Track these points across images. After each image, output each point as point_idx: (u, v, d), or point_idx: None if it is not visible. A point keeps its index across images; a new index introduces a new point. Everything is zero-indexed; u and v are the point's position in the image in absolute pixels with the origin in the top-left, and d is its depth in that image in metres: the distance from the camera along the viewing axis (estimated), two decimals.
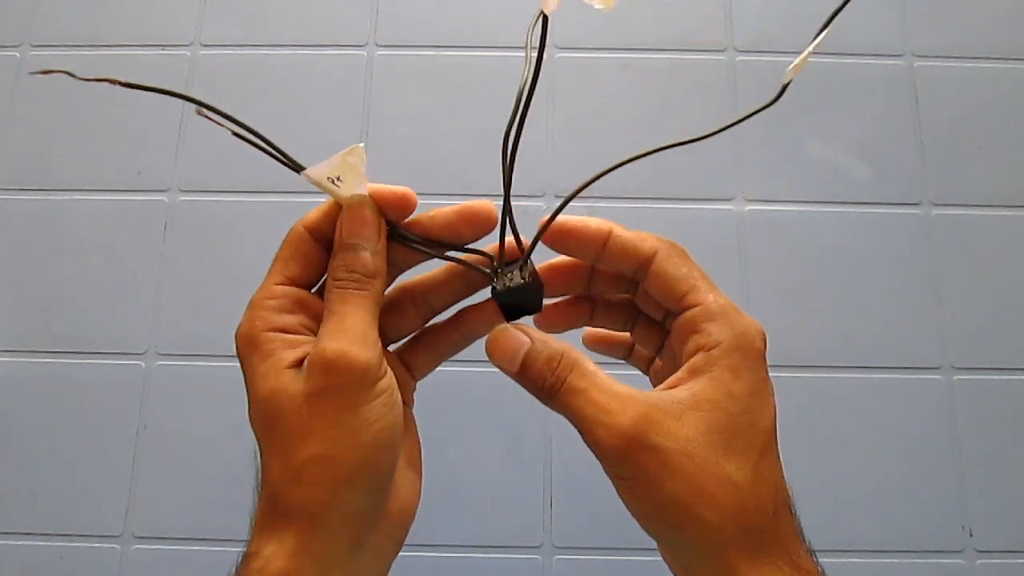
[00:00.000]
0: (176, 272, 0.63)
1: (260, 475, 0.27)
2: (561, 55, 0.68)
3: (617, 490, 0.29)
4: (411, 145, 0.66)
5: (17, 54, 0.68)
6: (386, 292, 0.31)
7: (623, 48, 0.68)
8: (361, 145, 0.26)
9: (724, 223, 0.63)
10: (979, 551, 0.56)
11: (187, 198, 0.65)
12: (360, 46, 0.69)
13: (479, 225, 0.30)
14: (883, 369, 0.60)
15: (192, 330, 0.62)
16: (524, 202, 0.63)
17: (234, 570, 0.27)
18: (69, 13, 0.70)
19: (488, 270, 0.31)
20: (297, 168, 0.27)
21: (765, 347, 0.29)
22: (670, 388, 0.28)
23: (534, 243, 0.31)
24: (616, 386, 0.28)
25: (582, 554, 0.57)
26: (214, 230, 0.64)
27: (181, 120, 0.67)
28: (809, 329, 0.61)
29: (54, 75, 0.26)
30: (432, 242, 0.30)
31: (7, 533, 0.57)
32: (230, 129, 0.26)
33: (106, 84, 0.24)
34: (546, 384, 0.29)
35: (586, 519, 0.57)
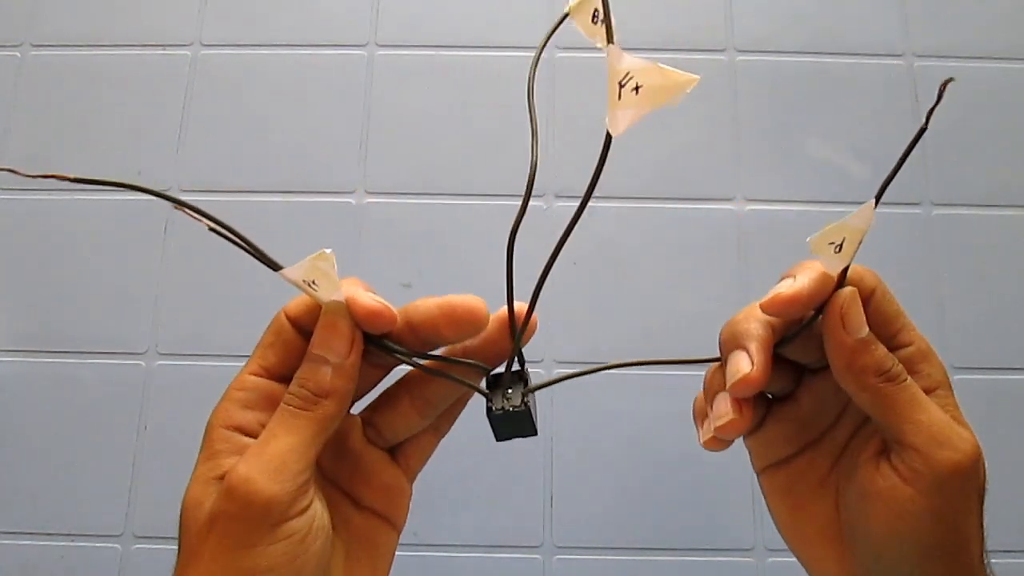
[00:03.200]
0: (176, 272, 0.63)
1: None
2: (561, 55, 0.68)
3: (906, 520, 0.25)
4: (411, 145, 0.66)
5: (17, 54, 0.68)
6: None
7: (623, 48, 0.68)
8: (328, 251, 0.24)
9: (724, 223, 0.63)
10: None
11: (187, 198, 0.64)
12: (360, 46, 0.69)
13: (463, 327, 0.26)
14: None
15: (192, 330, 0.62)
16: None
17: None
18: (69, 13, 0.70)
19: (484, 377, 0.28)
20: (275, 267, 0.25)
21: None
22: None
23: (517, 352, 0.27)
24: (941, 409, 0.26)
25: (582, 554, 0.57)
26: (214, 231, 0.64)
27: (181, 120, 0.67)
28: None
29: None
30: (414, 352, 0.27)
31: (7, 533, 0.57)
32: (207, 225, 0.24)
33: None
34: (891, 369, 0.26)
35: (586, 519, 0.57)
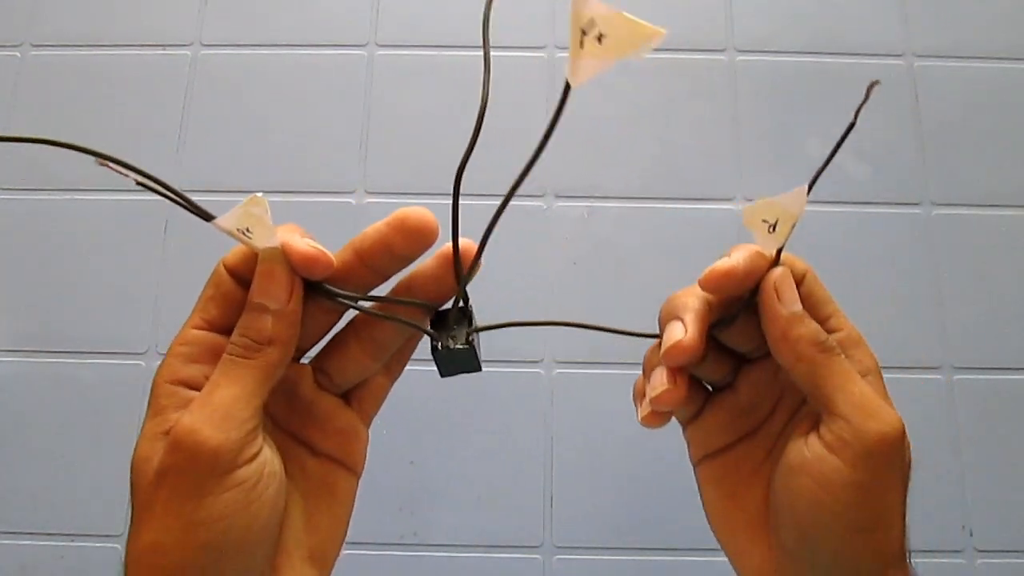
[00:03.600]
0: (176, 272, 0.63)
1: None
2: (561, 55, 0.67)
3: (827, 487, 0.25)
4: (411, 145, 0.66)
5: (17, 54, 0.68)
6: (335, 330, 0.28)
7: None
8: (260, 195, 0.24)
9: (724, 223, 0.63)
10: (979, 551, 0.56)
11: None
12: (360, 46, 0.69)
13: (415, 236, 0.26)
14: (883, 369, 0.60)
15: None
16: (524, 202, 0.63)
17: None
18: (69, 13, 0.70)
19: (429, 316, 0.27)
20: (206, 217, 0.25)
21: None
22: None
23: (462, 292, 0.27)
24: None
25: (582, 554, 0.57)
26: (214, 230, 0.64)
27: (181, 120, 0.67)
28: None
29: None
30: (355, 294, 0.26)
31: (7, 533, 0.57)
32: (135, 179, 0.23)
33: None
34: (823, 342, 0.26)
35: (586, 519, 0.57)
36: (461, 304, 0.28)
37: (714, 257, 0.28)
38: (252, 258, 0.26)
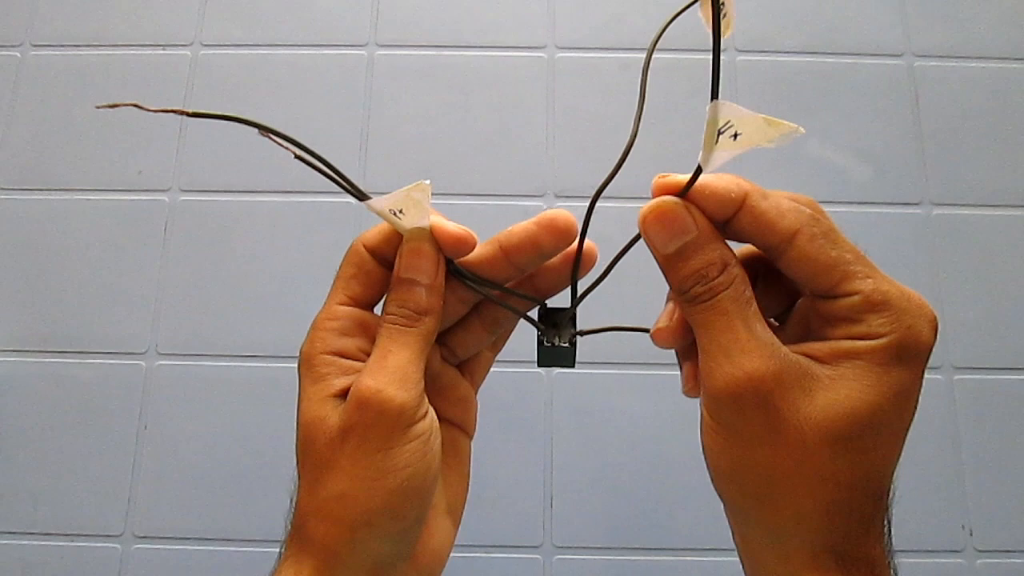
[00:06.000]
0: (176, 272, 0.63)
1: (294, 500, 0.27)
2: (561, 55, 0.68)
3: (702, 432, 0.26)
4: (411, 145, 0.66)
5: (17, 54, 0.68)
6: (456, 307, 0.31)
7: (623, 48, 0.68)
8: (427, 182, 0.26)
9: None
10: (979, 551, 0.56)
11: (187, 198, 0.65)
12: (360, 46, 0.69)
13: (558, 233, 0.28)
14: None
15: (192, 330, 0.62)
16: (524, 202, 0.63)
17: None
18: (69, 13, 0.70)
19: (540, 312, 0.31)
20: (361, 197, 0.27)
21: (935, 338, 0.24)
22: (808, 356, 0.25)
23: (577, 300, 0.30)
24: (763, 330, 0.25)
25: (582, 554, 0.57)
26: (214, 230, 0.64)
27: (181, 120, 0.67)
28: None
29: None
30: (488, 281, 0.29)
31: (7, 533, 0.57)
32: (293, 152, 0.25)
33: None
34: (692, 289, 0.25)
35: (586, 519, 0.57)
36: (569, 306, 0.31)
37: None
38: (393, 238, 0.28)
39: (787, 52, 0.68)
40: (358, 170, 0.65)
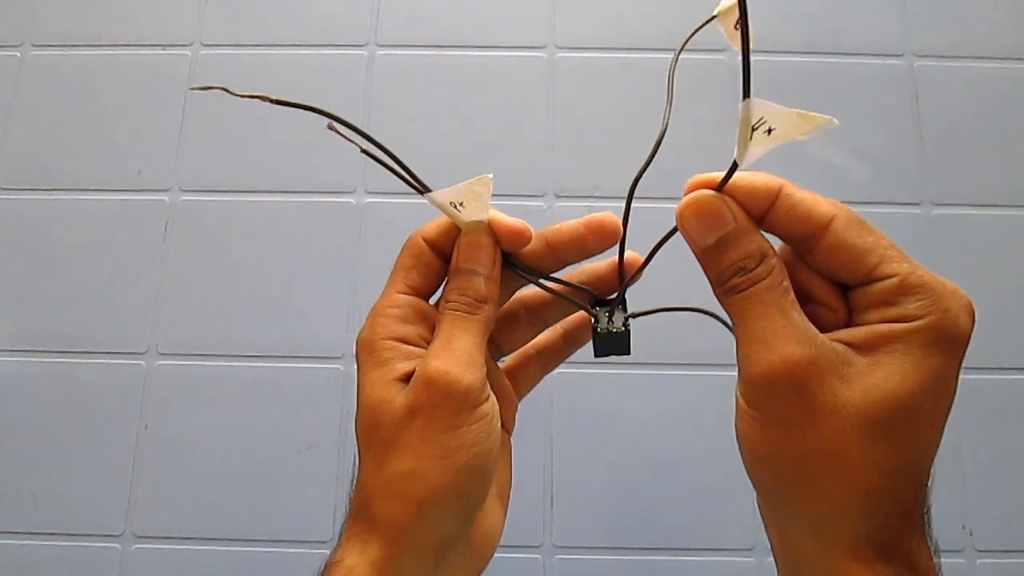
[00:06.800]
0: (176, 272, 0.63)
1: (355, 482, 0.28)
2: (561, 55, 0.68)
3: (737, 420, 0.26)
4: (411, 145, 0.66)
5: (17, 54, 0.68)
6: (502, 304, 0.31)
7: (623, 48, 0.68)
8: (490, 176, 0.28)
9: None
10: (979, 551, 0.56)
11: (187, 198, 0.65)
12: (360, 46, 0.69)
13: (605, 236, 0.30)
14: None
15: (192, 330, 0.62)
16: (524, 201, 0.63)
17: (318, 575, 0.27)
18: (69, 13, 0.70)
19: (591, 303, 0.31)
20: (422, 190, 0.27)
21: (972, 325, 0.25)
22: (845, 343, 0.25)
23: (625, 286, 0.31)
24: (800, 318, 0.25)
25: (582, 554, 0.57)
26: (214, 230, 0.64)
27: (181, 120, 0.67)
28: None
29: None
30: (543, 273, 0.30)
31: (7, 533, 0.57)
32: (359, 145, 0.26)
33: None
34: (730, 280, 0.26)
35: (586, 519, 0.57)
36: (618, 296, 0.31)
37: None
38: (451, 231, 0.30)
39: (787, 52, 0.68)
40: (358, 170, 0.65)
